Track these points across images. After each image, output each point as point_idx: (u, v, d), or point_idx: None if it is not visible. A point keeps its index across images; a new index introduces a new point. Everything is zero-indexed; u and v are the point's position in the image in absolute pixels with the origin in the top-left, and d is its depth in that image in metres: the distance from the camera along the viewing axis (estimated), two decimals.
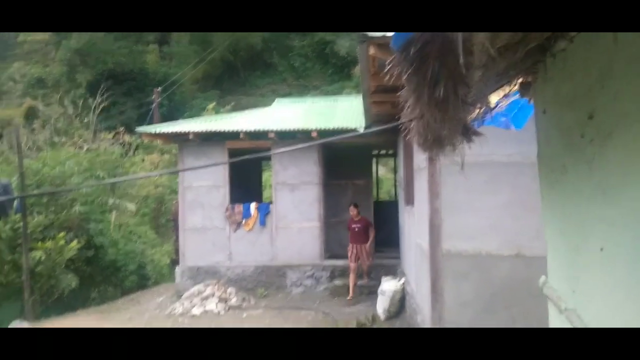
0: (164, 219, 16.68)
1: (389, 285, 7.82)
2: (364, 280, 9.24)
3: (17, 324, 7.70)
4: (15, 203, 7.98)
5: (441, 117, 1.41)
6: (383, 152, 12.91)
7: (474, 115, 2.00)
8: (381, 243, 10.91)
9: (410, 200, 7.13)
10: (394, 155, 12.04)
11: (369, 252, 9.11)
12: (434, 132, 1.61)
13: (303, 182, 9.86)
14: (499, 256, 4.81)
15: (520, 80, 2.07)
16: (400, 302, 7.72)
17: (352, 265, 8.93)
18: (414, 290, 6.74)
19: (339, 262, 9.78)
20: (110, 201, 12.63)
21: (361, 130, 8.38)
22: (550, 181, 1.88)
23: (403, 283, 7.83)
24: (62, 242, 9.61)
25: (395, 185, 13.26)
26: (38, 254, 9.20)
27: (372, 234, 9.11)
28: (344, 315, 8.05)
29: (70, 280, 9.90)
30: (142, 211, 16.20)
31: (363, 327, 7.29)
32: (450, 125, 1.54)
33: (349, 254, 8.98)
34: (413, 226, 6.78)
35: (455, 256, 4.89)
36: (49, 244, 9.48)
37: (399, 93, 1.62)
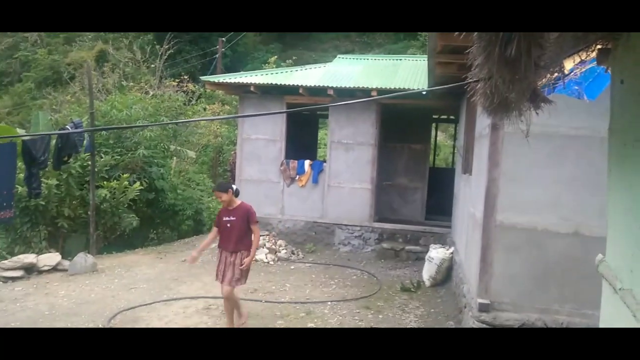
0: (221, 168, 17.18)
1: (437, 253, 7.77)
2: (242, 321, 5.40)
3: (81, 256, 8.28)
4: (85, 142, 8.44)
5: (510, 79, 1.35)
6: (444, 117, 12.57)
7: (545, 80, 1.89)
8: (433, 211, 10.79)
9: (467, 169, 6.95)
10: (455, 121, 11.68)
11: (244, 269, 5.18)
12: (500, 94, 1.54)
13: (358, 143, 9.81)
14: (556, 233, 4.64)
15: (599, 46, 1.93)
16: (447, 271, 7.67)
17: (224, 288, 5.20)
18: (462, 260, 6.67)
19: (388, 226, 9.79)
20: (172, 147, 13.11)
21: (424, 92, 8.16)
22: (620, 156, 1.78)
23: (452, 252, 7.76)
24: (125, 182, 10.14)
25: (453, 153, 12.94)
26: (104, 192, 9.77)
27: (256, 234, 5.25)
28: (389, 278, 8.11)
29: (132, 220, 10.47)
30: (201, 159, 16.75)
31: (407, 291, 7.33)
32: (518, 88, 1.47)
33: (217, 267, 5.32)
34: (468, 195, 6.63)
35: (509, 229, 4.76)
36: (113, 183, 10.04)
37: (467, 51, 1.55)
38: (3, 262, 7.95)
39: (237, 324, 5.42)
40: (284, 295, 7.08)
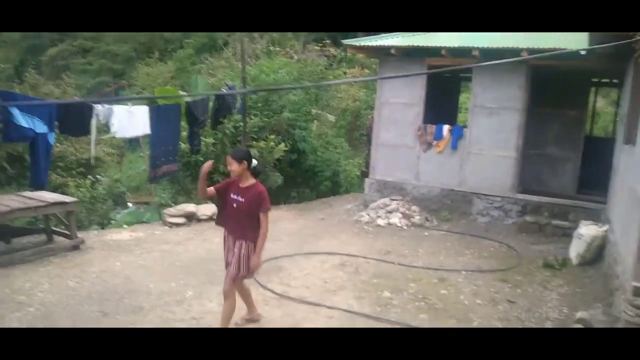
0: (358, 132, 17.44)
1: (588, 230, 7.14)
2: (254, 315, 4.82)
3: None
4: (238, 104, 9.16)
5: None
6: (605, 80, 11.20)
7: None
8: (586, 184, 9.84)
9: (631, 139, 6.19)
10: (619, 85, 10.36)
11: (249, 259, 4.30)
12: None
13: (503, 107, 9.24)
14: None
15: None
16: (598, 250, 7.02)
17: (224, 284, 4.41)
18: (618, 239, 6.05)
19: (533, 198, 9.17)
20: (314, 111, 13.63)
21: (583, 52, 7.36)
22: None
23: (606, 230, 7.06)
24: (272, 143, 10.86)
25: (614, 121, 11.53)
26: (253, 151, 10.59)
27: (264, 224, 4.26)
28: (530, 252, 7.68)
29: (277, 178, 11.24)
30: (340, 123, 17.15)
31: (551, 267, 6.89)
32: None
33: (224, 252, 4.49)
34: (630, 168, 5.94)
35: None
36: (262, 143, 10.81)
37: None
38: (169, 209, 9.14)
39: (246, 317, 4.78)
40: (417, 260, 7.12)
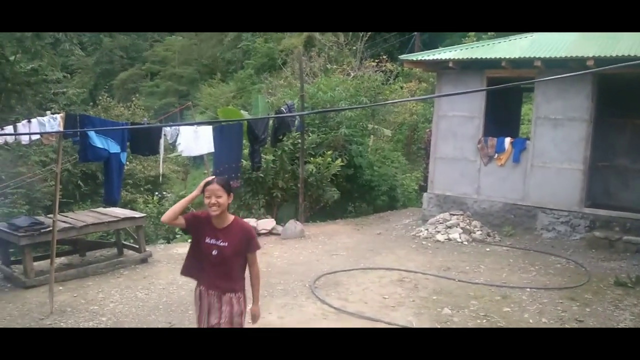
0: (415, 146, 17.30)
1: None
2: None
3: (292, 223, 9.34)
4: (297, 122, 9.37)
5: None
6: None
7: None
8: None
9: None
10: None
11: (244, 315, 3.47)
12: None
13: (568, 118, 8.89)
14: None
15: None
16: None
17: None
18: None
19: (602, 212, 8.71)
20: (370, 126, 13.67)
21: None
22: None
23: None
24: (329, 159, 11.01)
25: None
26: (310, 167, 10.77)
27: (255, 262, 3.47)
28: (600, 270, 7.29)
29: (333, 193, 11.36)
30: (396, 137, 17.09)
31: (623, 285, 6.50)
32: None
33: (199, 314, 3.47)
34: None
35: None
36: (318, 159, 10.97)
37: None
38: None
39: None
40: (478, 276, 6.94)
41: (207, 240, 3.33)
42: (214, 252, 3.31)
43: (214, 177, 3.41)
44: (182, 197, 13.41)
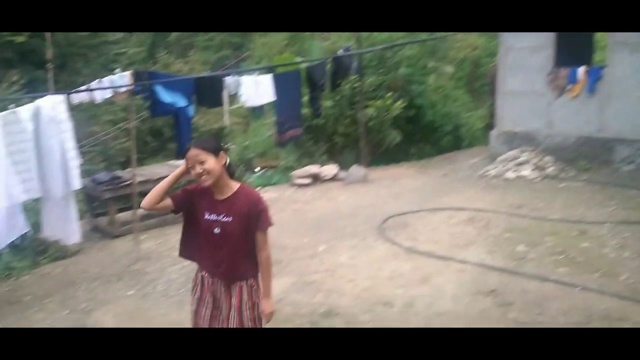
0: (478, 83, 16.53)
1: None
2: None
3: (355, 167, 9.35)
4: (355, 64, 9.19)
5: None
6: None
7: None
8: None
9: None
10: None
11: (258, 308, 2.78)
12: None
13: None
14: None
15: None
16: None
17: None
18: None
19: None
20: (430, 64, 13.14)
21: None
22: None
23: None
24: (389, 101, 10.78)
25: None
26: (370, 111, 10.61)
27: (265, 243, 2.74)
28: None
29: (395, 136, 11.18)
30: (458, 74, 16.37)
31: None
32: None
33: (200, 308, 2.82)
34: None
35: None
36: (378, 102, 10.77)
37: None
38: (296, 171, 9.61)
39: None
40: (553, 212, 6.71)
41: (207, 216, 2.70)
42: (216, 231, 2.68)
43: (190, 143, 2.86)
44: (246, 147, 13.78)
